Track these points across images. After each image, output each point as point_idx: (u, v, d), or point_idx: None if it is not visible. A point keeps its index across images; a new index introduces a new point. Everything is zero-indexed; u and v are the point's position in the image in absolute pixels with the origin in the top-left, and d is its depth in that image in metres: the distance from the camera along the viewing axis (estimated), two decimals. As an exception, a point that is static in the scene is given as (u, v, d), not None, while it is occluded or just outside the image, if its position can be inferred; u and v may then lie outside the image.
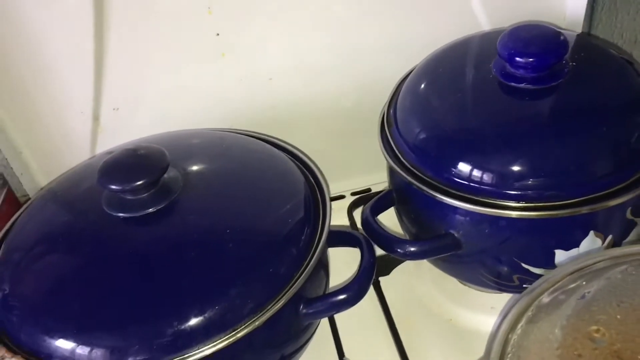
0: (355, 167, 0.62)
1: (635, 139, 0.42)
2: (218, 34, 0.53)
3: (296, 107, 0.59)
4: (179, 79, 0.54)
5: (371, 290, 0.52)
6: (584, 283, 0.31)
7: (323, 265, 0.44)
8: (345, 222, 0.58)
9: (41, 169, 0.56)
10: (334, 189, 0.62)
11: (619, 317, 0.29)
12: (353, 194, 0.63)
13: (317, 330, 0.46)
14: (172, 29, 0.51)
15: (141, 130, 0.52)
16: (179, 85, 0.55)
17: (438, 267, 0.50)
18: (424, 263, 0.54)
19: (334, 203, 0.62)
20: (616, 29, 0.68)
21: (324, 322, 0.49)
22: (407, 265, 0.54)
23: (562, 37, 0.44)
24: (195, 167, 0.43)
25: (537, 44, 0.44)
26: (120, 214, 0.40)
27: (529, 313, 0.30)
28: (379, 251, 0.47)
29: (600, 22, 0.67)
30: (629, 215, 0.42)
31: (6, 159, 0.53)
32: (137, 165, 0.40)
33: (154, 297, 0.36)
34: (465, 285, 0.52)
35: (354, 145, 0.61)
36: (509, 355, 0.29)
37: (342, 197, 0.62)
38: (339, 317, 0.50)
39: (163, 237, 0.39)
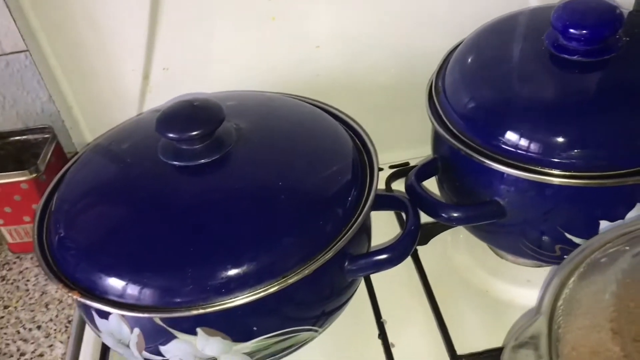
0: (394, 141, 0.62)
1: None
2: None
3: (340, 77, 0.59)
4: (228, 43, 0.55)
5: (409, 259, 0.53)
6: (628, 248, 0.31)
7: (367, 227, 0.45)
8: (384, 193, 0.59)
9: (89, 125, 0.57)
10: (386, 159, 0.63)
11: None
12: (391, 167, 0.63)
13: (356, 296, 0.46)
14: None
15: (189, 92, 0.53)
16: (228, 49, 0.55)
17: (477, 237, 0.51)
18: (461, 234, 0.55)
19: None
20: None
21: (363, 289, 0.50)
22: (445, 236, 0.55)
23: (617, 11, 0.44)
24: (248, 124, 0.44)
25: (592, 16, 0.44)
26: (176, 162, 0.41)
27: (581, 269, 0.31)
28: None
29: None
30: (677, 188, 0.42)
31: (58, 111, 0.54)
32: (194, 116, 0.41)
33: (207, 242, 0.38)
34: (501, 257, 0.52)
35: (393, 119, 0.62)
36: (561, 308, 0.29)
37: (380, 169, 0.63)
38: (377, 284, 0.50)
39: (216, 187, 0.41)
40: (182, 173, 0.41)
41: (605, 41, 0.44)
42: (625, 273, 0.30)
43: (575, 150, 0.41)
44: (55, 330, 0.50)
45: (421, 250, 0.53)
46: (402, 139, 0.62)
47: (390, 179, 0.61)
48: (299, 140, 0.45)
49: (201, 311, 0.36)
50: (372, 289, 0.50)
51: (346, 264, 0.41)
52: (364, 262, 0.42)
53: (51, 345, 0.49)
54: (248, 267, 0.37)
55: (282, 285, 0.37)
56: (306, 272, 0.37)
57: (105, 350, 0.47)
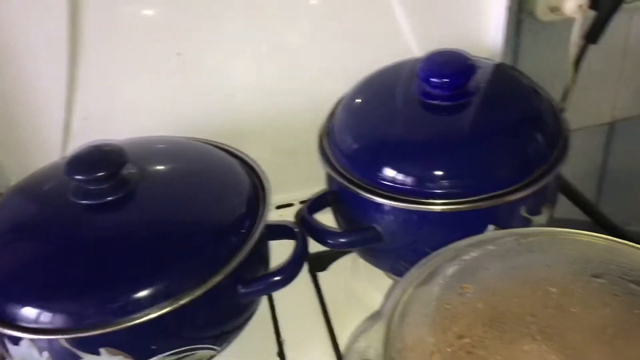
0: (303, 179, 0.69)
1: (528, 151, 0.50)
2: (179, 54, 0.59)
3: (252, 122, 0.66)
4: (144, 94, 0.61)
5: (309, 284, 0.59)
6: (462, 257, 0.38)
7: (261, 252, 0.50)
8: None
9: (13, 170, 0.61)
10: (284, 198, 0.69)
11: (483, 279, 0.35)
12: (301, 202, 0.69)
13: (258, 318, 0.52)
14: (138, 48, 0.58)
15: (109, 139, 0.58)
16: (143, 99, 0.61)
17: (368, 262, 0.57)
18: (358, 261, 0.60)
19: (283, 210, 0.68)
20: (538, 62, 0.77)
21: (265, 310, 0.55)
22: (343, 262, 0.60)
23: (470, 62, 0.52)
24: (151, 165, 0.50)
25: (449, 66, 0.52)
26: (83, 201, 0.46)
27: (418, 280, 0.37)
28: (316, 248, 0.54)
29: (524, 55, 0.76)
30: (523, 213, 0.49)
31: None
32: (100, 159, 0.46)
33: (109, 269, 0.42)
34: (392, 279, 0.58)
35: (302, 159, 0.68)
36: (397, 312, 0.35)
37: (291, 204, 0.69)
38: (278, 307, 0.56)
39: (119, 221, 0.46)
40: (89, 210, 0.46)
41: (463, 87, 0.52)
42: (447, 278, 0.36)
43: (438, 181, 0.48)
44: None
45: (321, 275, 0.59)
46: (311, 177, 0.68)
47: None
48: (199, 178, 0.50)
49: (101, 331, 0.40)
50: (274, 311, 0.55)
51: (239, 287, 0.46)
52: (257, 284, 0.47)
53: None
54: (144, 291, 0.41)
55: (174, 306, 0.42)
56: (197, 293, 0.42)
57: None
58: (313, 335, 0.54)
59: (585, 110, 0.83)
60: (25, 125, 0.60)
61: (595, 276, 0.34)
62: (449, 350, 0.32)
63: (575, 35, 0.67)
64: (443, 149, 0.50)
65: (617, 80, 0.81)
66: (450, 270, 0.37)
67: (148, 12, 0.58)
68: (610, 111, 0.84)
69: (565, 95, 0.68)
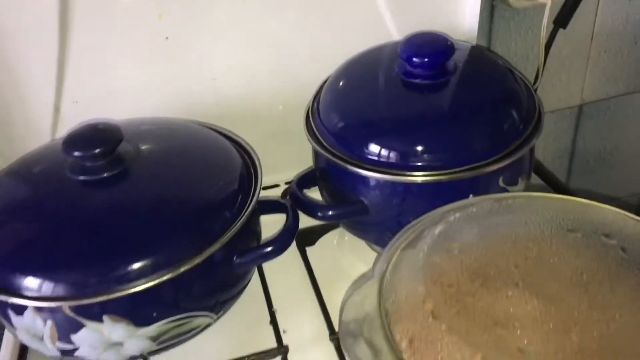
0: (288, 161, 0.71)
1: (504, 125, 0.53)
2: (167, 38, 0.61)
3: (236, 106, 0.67)
4: (133, 77, 0.62)
5: (298, 258, 0.61)
6: (448, 218, 0.41)
7: (253, 226, 0.52)
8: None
9: (3, 154, 0.62)
10: (270, 180, 0.71)
11: (468, 236, 0.38)
12: (287, 183, 0.71)
13: (250, 291, 0.54)
14: (128, 32, 0.60)
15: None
16: (133, 83, 0.63)
17: (356, 235, 0.59)
18: (346, 236, 0.63)
19: (270, 190, 0.70)
20: (511, 46, 0.80)
21: (257, 284, 0.57)
22: (331, 237, 0.63)
23: (449, 42, 0.54)
24: (147, 144, 0.51)
25: (429, 46, 0.54)
26: (81, 177, 0.47)
27: (404, 243, 0.40)
28: (305, 223, 0.56)
29: (497, 40, 0.79)
30: (501, 183, 0.52)
31: (-27, 143, 0.60)
32: (97, 137, 0.48)
33: (110, 239, 0.44)
34: (377, 251, 0.61)
35: (287, 141, 0.70)
36: (389, 269, 0.38)
37: (277, 185, 0.71)
38: (270, 281, 0.58)
39: (118, 196, 0.47)
40: (87, 186, 0.47)
41: (442, 67, 0.54)
42: (434, 238, 0.39)
43: (420, 155, 0.51)
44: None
45: (309, 249, 0.61)
46: (295, 159, 0.70)
47: (285, 194, 0.69)
48: (193, 157, 0.52)
49: (105, 297, 0.42)
50: (265, 283, 0.57)
51: (234, 257, 0.49)
52: (250, 254, 0.49)
53: (-30, 355, 0.53)
54: (145, 260, 0.43)
55: (173, 274, 0.44)
56: (197, 261, 0.44)
57: (23, 352, 0.52)
58: (303, 304, 0.56)
59: (555, 93, 0.86)
60: (15, 109, 0.60)
61: (570, 230, 0.37)
62: (440, 297, 0.34)
63: (546, 20, 0.70)
64: (424, 124, 0.53)
65: (585, 65, 0.85)
66: (437, 230, 0.40)
67: (137, -4, 0.59)
68: (579, 94, 0.88)
69: (536, 78, 0.71)
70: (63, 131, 0.62)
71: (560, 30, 0.72)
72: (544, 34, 0.71)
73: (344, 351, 0.36)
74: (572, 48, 0.83)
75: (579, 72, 0.86)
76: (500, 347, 0.31)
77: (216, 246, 0.46)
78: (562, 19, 0.72)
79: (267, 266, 0.58)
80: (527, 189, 0.56)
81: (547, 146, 0.91)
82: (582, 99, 0.89)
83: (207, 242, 0.46)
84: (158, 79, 0.63)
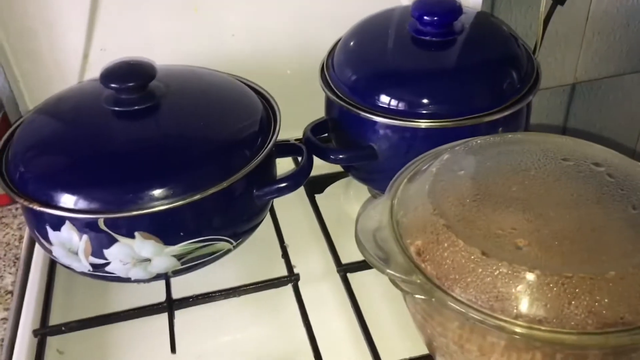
0: (299, 118, 0.75)
1: (504, 82, 0.57)
2: (192, -5, 0.65)
3: (252, 63, 0.71)
4: (158, 30, 0.66)
5: (308, 205, 0.65)
6: (457, 148, 0.45)
7: (270, 165, 0.57)
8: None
9: (32, 97, 0.66)
10: (282, 135, 0.75)
11: (472, 161, 0.43)
12: (296, 139, 0.75)
13: (264, 233, 0.58)
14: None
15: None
16: (158, 35, 0.66)
17: (364, 183, 0.63)
18: (350, 185, 0.67)
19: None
20: (511, 22, 0.85)
21: (270, 226, 0.61)
22: (338, 185, 0.67)
23: (457, 4, 0.59)
24: (176, 84, 0.55)
25: (439, 7, 0.59)
26: (116, 108, 0.51)
27: (413, 170, 0.44)
28: (315, 172, 0.60)
29: (499, 15, 0.83)
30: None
31: (8, 81, 0.63)
32: (132, 71, 0.52)
33: (143, 163, 0.48)
34: (382, 199, 0.65)
35: (299, 99, 0.74)
36: (400, 190, 0.42)
37: (288, 141, 0.75)
38: (282, 223, 0.62)
39: (149, 127, 0.51)
40: (121, 117, 0.51)
41: (450, 26, 0.59)
42: (441, 162, 0.43)
43: (427, 104, 0.55)
44: (4, 265, 0.58)
45: (318, 197, 0.66)
46: (305, 117, 0.74)
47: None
48: (218, 99, 0.56)
49: (137, 213, 0.46)
50: (278, 225, 0.61)
51: (254, 190, 0.53)
52: (268, 188, 0.53)
53: (1, 276, 0.57)
54: (174, 182, 0.47)
55: (202, 195, 0.48)
56: (220, 187, 0.49)
57: (51, 271, 0.56)
58: (312, 243, 0.61)
59: (549, 71, 0.91)
60: (47, 54, 0.64)
61: (564, 159, 0.42)
62: (446, 208, 0.39)
63: (546, -3, 0.75)
64: (432, 76, 0.57)
65: (579, 44, 0.90)
66: (444, 157, 0.44)
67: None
68: (572, 73, 0.92)
69: (535, 50, 0.76)
70: (89, 76, 0.66)
71: (558, 8, 0.76)
72: (543, 8, 0.75)
73: (360, 252, 0.40)
74: (568, 28, 0.87)
75: (574, 52, 0.90)
76: (499, 244, 0.36)
77: (238, 176, 0.50)
78: (560, -4, 0.76)
79: (279, 211, 0.62)
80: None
81: (539, 123, 0.96)
82: (575, 77, 0.93)
83: (230, 172, 0.50)
84: (181, 32, 0.67)
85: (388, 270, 0.38)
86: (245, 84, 0.61)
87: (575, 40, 0.89)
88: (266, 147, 0.54)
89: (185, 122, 0.52)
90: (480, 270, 0.36)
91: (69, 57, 0.65)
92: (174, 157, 0.49)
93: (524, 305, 0.34)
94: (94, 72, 0.66)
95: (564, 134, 0.99)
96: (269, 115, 0.58)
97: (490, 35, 0.62)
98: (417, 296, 0.37)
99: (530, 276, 0.35)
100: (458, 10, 0.59)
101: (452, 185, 0.41)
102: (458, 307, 0.35)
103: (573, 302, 0.33)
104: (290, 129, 0.73)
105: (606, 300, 0.33)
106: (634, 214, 0.38)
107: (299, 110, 0.73)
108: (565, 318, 0.33)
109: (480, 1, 0.74)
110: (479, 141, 0.45)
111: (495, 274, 0.35)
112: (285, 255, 0.58)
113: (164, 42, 0.67)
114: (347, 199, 0.67)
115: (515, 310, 0.34)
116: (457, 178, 0.41)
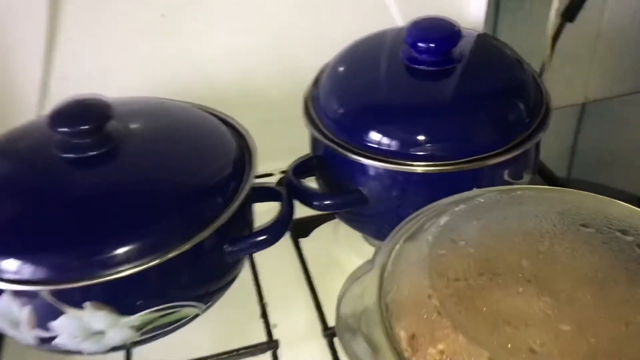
0: (284, 150, 0.69)
1: (511, 118, 0.50)
2: (163, 15, 0.58)
3: (231, 90, 0.65)
4: (125, 55, 0.60)
5: (292, 250, 0.59)
6: (454, 209, 0.38)
7: (246, 214, 0.50)
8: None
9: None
10: (264, 168, 0.69)
11: (475, 228, 0.36)
12: (281, 172, 0.69)
13: (241, 283, 0.51)
14: (122, 7, 0.57)
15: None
16: (124, 61, 0.60)
17: (351, 226, 0.57)
18: (339, 228, 0.61)
19: (263, 179, 0.68)
20: (515, 40, 0.78)
21: (248, 276, 0.55)
22: (326, 229, 0.61)
23: (456, 28, 0.52)
24: (137, 123, 0.49)
25: (436, 32, 0.52)
26: (67, 155, 0.45)
27: (406, 234, 0.37)
28: (300, 214, 0.54)
29: (503, 32, 0.77)
30: (506, 177, 0.50)
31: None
32: (84, 113, 0.45)
33: (94, 222, 0.42)
34: (372, 245, 0.58)
35: (283, 129, 0.67)
36: (390, 261, 0.36)
37: (271, 174, 0.69)
38: (262, 273, 0.55)
39: (104, 176, 0.45)
40: (73, 164, 0.45)
41: (448, 53, 0.52)
42: (439, 228, 0.36)
43: (422, 144, 0.48)
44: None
45: (303, 241, 0.59)
46: (290, 148, 0.67)
47: (279, 183, 0.66)
48: (185, 139, 0.50)
49: (86, 283, 0.40)
50: (256, 275, 0.55)
51: (226, 245, 0.46)
52: (242, 243, 0.47)
53: (-56, 340, 0.50)
54: (131, 244, 0.41)
55: (160, 260, 0.41)
56: (186, 247, 0.42)
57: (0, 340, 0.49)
58: (296, 298, 0.54)
59: (558, 90, 0.84)
60: (3, 85, 0.58)
61: (584, 226, 0.35)
62: (445, 291, 0.32)
63: (553, 13, 0.68)
64: (428, 112, 0.50)
65: (590, 62, 0.83)
66: (442, 221, 0.37)
67: (132, -29, 0.57)
68: (582, 92, 0.86)
69: (542, 71, 0.69)
70: (50, 108, 0.60)
71: (566, 26, 0.70)
72: (551, 25, 0.69)
73: (341, 347, 0.34)
74: (577, 45, 0.81)
75: (583, 70, 0.84)
76: (510, 347, 0.29)
77: (207, 232, 0.44)
78: (570, 13, 0.70)
79: (259, 258, 0.56)
80: (532, 183, 0.54)
81: (548, 145, 0.89)
82: (585, 97, 0.87)
83: (197, 227, 0.44)
84: (151, 58, 0.61)
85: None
86: (217, 117, 0.54)
87: (584, 58, 0.83)
88: (239, 195, 0.47)
89: (146, 169, 0.46)
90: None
91: (25, 87, 0.58)
92: (131, 214, 0.42)
93: None
94: (54, 103, 0.59)
95: (574, 156, 0.92)
96: (243, 154, 0.51)
97: (493, 62, 0.55)
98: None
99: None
100: (457, 36, 0.52)
101: (453, 256, 0.35)
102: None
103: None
104: (277, 159, 0.67)
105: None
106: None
107: (285, 140, 0.67)
108: None
109: (482, 20, 0.68)
110: (482, 200, 0.39)
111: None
112: (264, 314, 0.51)
113: (133, 69, 0.61)
114: (336, 243, 0.60)
115: None
116: (458, 248, 0.35)
